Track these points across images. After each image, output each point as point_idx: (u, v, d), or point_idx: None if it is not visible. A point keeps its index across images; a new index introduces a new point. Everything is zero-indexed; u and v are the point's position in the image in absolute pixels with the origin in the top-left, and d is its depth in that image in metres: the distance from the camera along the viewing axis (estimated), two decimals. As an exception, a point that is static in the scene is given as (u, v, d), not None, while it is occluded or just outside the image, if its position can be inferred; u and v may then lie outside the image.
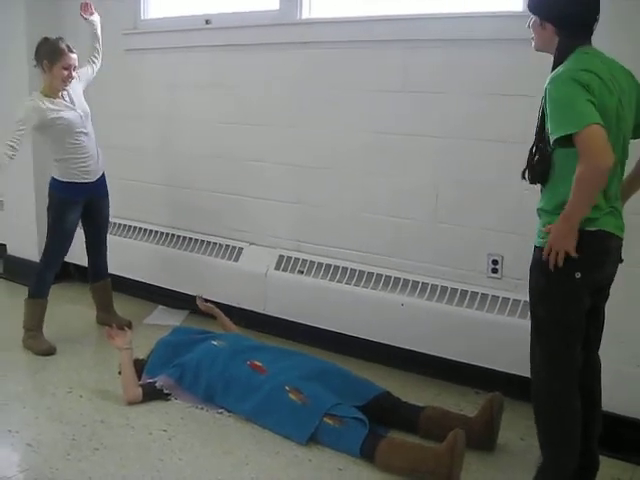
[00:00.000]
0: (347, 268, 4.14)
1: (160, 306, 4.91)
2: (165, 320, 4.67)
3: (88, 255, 4.47)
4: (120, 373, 3.66)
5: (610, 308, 2.69)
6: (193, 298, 4.23)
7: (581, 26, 2.50)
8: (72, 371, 3.92)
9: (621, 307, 2.85)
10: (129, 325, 4.29)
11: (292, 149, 4.32)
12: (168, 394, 3.58)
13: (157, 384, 3.60)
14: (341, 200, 4.17)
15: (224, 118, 4.59)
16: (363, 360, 4.05)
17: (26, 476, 2.93)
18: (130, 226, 5.09)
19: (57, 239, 4.16)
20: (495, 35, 3.53)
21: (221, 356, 3.59)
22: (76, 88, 4.15)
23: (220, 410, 3.48)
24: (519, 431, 3.31)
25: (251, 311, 4.42)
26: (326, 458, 3.11)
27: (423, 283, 3.82)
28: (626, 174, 2.60)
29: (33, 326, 4.16)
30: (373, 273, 4.03)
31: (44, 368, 3.95)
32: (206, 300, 4.18)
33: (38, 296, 4.20)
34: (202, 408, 3.50)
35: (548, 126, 2.40)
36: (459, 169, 3.70)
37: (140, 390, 3.57)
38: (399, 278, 3.93)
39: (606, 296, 2.68)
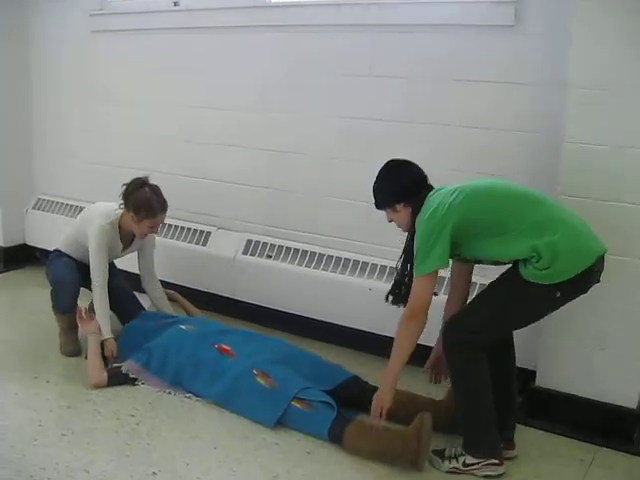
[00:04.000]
0: (315, 253, 4.15)
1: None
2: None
3: None
4: (87, 358, 3.65)
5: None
6: (165, 283, 4.21)
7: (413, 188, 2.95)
8: (38, 357, 3.89)
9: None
10: None
11: (262, 133, 4.30)
12: (134, 379, 3.57)
13: (123, 369, 3.59)
14: (310, 185, 4.17)
15: (193, 102, 4.56)
16: (331, 344, 4.08)
17: (-8, 462, 2.91)
18: (97, 210, 5.04)
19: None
20: (459, 20, 3.57)
21: (189, 340, 3.59)
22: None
23: (188, 394, 3.48)
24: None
25: (220, 295, 4.41)
26: (294, 441, 3.13)
27: (391, 267, 3.83)
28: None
29: (66, 325, 3.99)
30: (341, 258, 4.04)
31: (10, 354, 3.92)
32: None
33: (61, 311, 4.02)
34: (170, 392, 3.50)
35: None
36: (426, 154, 3.71)
37: (105, 375, 3.56)
38: (367, 263, 3.95)
39: None
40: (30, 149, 5.43)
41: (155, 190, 3.78)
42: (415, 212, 2.90)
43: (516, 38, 3.42)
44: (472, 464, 2.88)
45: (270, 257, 4.28)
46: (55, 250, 4.09)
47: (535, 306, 2.83)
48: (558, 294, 2.73)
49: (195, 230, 4.62)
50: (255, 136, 4.33)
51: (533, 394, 3.37)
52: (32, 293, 4.71)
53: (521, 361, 3.44)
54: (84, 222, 3.93)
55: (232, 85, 4.38)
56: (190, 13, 4.49)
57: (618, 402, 3.18)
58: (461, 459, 2.89)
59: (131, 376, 3.57)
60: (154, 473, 2.86)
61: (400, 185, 2.97)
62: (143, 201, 3.72)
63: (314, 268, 4.11)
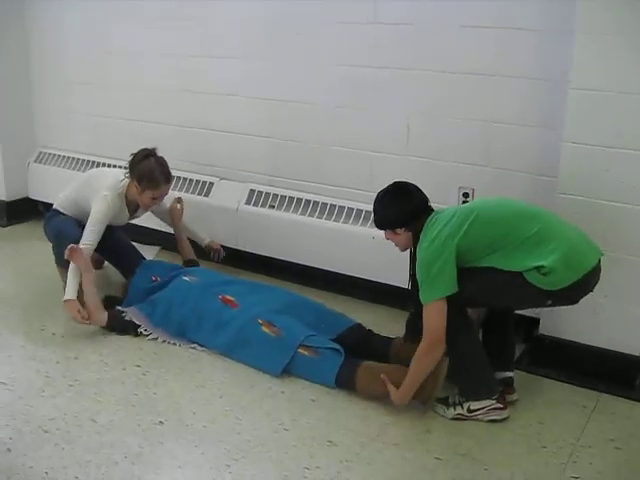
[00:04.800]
0: (318, 202, 4.13)
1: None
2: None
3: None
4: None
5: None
6: (164, 234, 4.22)
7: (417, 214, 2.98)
8: (44, 309, 3.91)
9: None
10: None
11: (263, 82, 4.25)
12: (137, 326, 3.59)
13: (126, 315, 3.60)
14: (314, 134, 4.13)
15: (192, 51, 4.49)
16: (335, 293, 4.09)
17: (1, 413, 2.94)
18: (99, 163, 5.00)
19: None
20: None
21: (192, 292, 3.60)
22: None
23: (193, 345, 3.50)
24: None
25: (223, 246, 4.41)
26: (299, 389, 3.16)
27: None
28: None
29: None
30: (344, 207, 4.03)
31: (15, 307, 3.94)
32: None
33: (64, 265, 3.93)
34: (175, 343, 3.52)
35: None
36: (430, 102, 3.67)
37: (105, 314, 3.58)
38: (370, 212, 3.93)
39: None
40: (30, 102, 5.37)
41: (160, 161, 3.78)
42: (415, 236, 2.96)
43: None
44: (477, 409, 2.93)
45: (273, 207, 4.27)
46: (53, 210, 4.08)
47: (522, 301, 2.96)
48: (549, 302, 2.85)
49: (197, 181, 4.60)
50: (257, 85, 4.27)
51: (537, 342, 3.38)
52: (36, 246, 4.72)
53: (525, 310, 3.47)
54: (89, 189, 3.89)
55: (232, 34, 4.31)
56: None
57: (621, 349, 3.19)
58: (466, 405, 2.94)
59: (136, 322, 3.58)
60: (161, 422, 2.89)
61: (403, 212, 3.00)
62: (147, 171, 3.73)
63: (317, 217, 4.09)
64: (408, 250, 3.09)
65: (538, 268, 2.70)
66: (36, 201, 5.39)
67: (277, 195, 4.28)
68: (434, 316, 2.82)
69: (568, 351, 3.28)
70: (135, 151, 3.82)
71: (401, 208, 3.01)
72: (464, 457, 2.72)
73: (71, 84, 5.14)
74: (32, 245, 4.80)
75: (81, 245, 3.64)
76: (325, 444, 2.78)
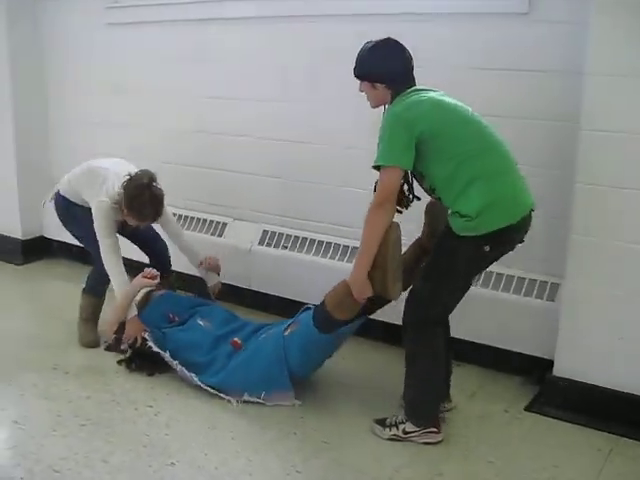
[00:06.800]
0: (331, 243, 4.14)
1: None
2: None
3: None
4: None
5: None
6: (178, 273, 4.23)
7: (404, 76, 2.92)
8: (57, 348, 3.92)
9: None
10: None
11: (275, 123, 4.29)
12: (156, 352, 3.58)
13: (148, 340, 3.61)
14: (324, 175, 4.16)
15: (207, 92, 4.56)
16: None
17: (13, 452, 2.94)
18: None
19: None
20: (473, 9, 3.54)
21: (206, 339, 3.59)
22: None
23: (197, 383, 3.44)
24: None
25: (237, 286, 4.42)
26: (310, 431, 3.15)
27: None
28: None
29: (88, 315, 4.00)
30: (357, 248, 4.02)
31: (29, 345, 3.95)
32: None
33: (93, 294, 4.03)
34: (181, 379, 3.51)
35: None
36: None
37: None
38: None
39: None
40: (47, 142, 5.44)
41: (154, 198, 3.66)
42: (393, 97, 2.91)
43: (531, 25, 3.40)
44: (411, 432, 3.01)
45: (286, 248, 4.28)
46: (60, 195, 4.01)
47: (468, 264, 2.90)
48: (487, 248, 2.82)
49: (211, 221, 4.63)
50: (271, 127, 4.31)
51: (551, 383, 3.35)
52: (51, 285, 4.76)
53: (538, 350, 3.46)
54: (87, 185, 3.83)
55: (246, 75, 4.37)
56: (204, 4, 4.46)
57: (637, 392, 3.15)
58: (401, 427, 3.02)
59: (153, 349, 3.59)
60: (172, 463, 2.88)
61: (393, 68, 2.92)
62: (137, 205, 3.64)
63: (330, 258, 4.11)
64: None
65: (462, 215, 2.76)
66: (51, 240, 5.43)
67: (290, 236, 4.30)
68: (389, 175, 2.82)
69: (583, 393, 3.25)
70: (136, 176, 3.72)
71: (392, 64, 2.92)
72: (478, 501, 2.69)
73: (87, 123, 5.19)
74: (47, 284, 4.83)
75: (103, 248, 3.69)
76: (337, 487, 2.75)
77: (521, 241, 2.92)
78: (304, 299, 4.16)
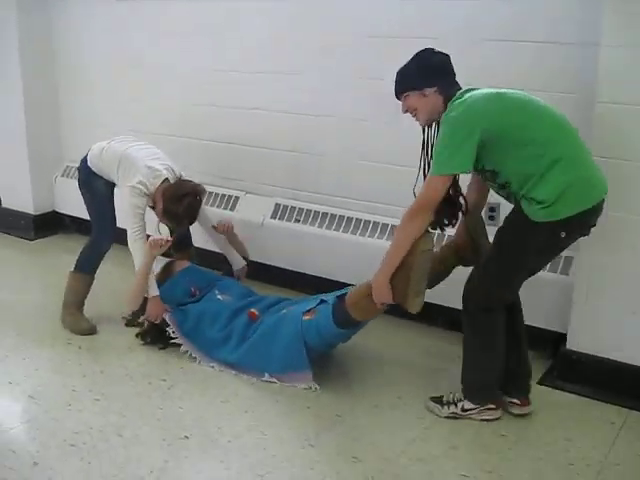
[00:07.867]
0: (344, 216, 4.13)
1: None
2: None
3: None
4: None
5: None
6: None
7: (451, 75, 2.82)
8: (71, 322, 3.93)
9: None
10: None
11: (288, 96, 4.26)
12: (172, 331, 3.58)
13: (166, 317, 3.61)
14: (338, 148, 4.14)
15: (218, 65, 4.52)
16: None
17: (28, 427, 2.97)
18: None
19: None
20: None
21: (224, 312, 3.60)
22: None
23: (212, 364, 3.47)
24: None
25: (249, 259, 4.41)
26: (324, 405, 3.16)
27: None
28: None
29: (74, 303, 3.92)
30: (370, 221, 4.03)
31: (43, 320, 3.97)
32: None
33: (84, 271, 3.96)
34: (195, 358, 3.51)
35: None
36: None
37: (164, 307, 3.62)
38: (396, 225, 3.92)
39: None
40: (57, 117, 5.43)
41: (192, 206, 3.67)
42: (446, 102, 2.76)
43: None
44: (470, 409, 2.99)
45: (299, 221, 4.27)
46: (88, 167, 3.93)
47: (541, 251, 2.82)
48: (563, 234, 2.72)
49: (223, 195, 4.62)
50: (283, 99, 4.29)
51: (564, 357, 3.34)
52: (63, 260, 4.74)
53: (552, 324, 3.45)
54: (121, 168, 3.75)
55: (257, 48, 4.33)
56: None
57: (650, 365, 3.16)
58: (460, 404, 3.00)
59: (168, 328, 3.60)
60: (186, 437, 2.89)
61: (437, 65, 2.79)
62: (174, 211, 3.65)
63: (342, 231, 4.10)
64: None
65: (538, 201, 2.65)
66: (62, 215, 5.45)
67: (302, 209, 4.29)
68: (437, 185, 2.68)
69: (595, 367, 3.24)
70: (182, 175, 3.77)
71: (436, 62, 2.80)
72: (490, 474, 2.69)
73: (98, 99, 5.18)
74: (59, 258, 4.84)
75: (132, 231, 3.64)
76: (350, 460, 2.76)
77: (594, 225, 2.80)
78: (316, 273, 4.19)
